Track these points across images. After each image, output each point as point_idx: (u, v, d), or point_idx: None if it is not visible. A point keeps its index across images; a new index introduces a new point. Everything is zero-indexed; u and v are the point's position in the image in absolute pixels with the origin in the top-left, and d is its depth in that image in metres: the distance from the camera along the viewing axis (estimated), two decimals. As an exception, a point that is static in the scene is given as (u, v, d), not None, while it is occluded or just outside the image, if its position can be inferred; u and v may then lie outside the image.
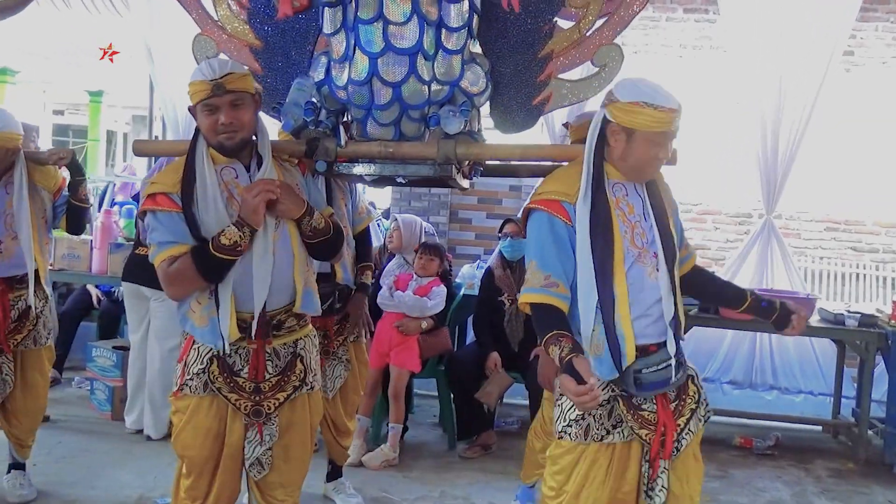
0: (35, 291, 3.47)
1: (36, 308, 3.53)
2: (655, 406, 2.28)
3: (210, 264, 2.35)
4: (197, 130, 2.48)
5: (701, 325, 4.98)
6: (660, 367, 2.26)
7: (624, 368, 2.21)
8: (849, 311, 4.82)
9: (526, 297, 2.26)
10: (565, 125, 3.59)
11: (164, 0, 5.04)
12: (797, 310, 2.51)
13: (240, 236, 2.34)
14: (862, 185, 6.79)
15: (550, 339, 2.14)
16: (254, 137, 2.50)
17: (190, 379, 2.49)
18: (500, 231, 4.71)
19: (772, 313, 2.50)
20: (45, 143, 14.65)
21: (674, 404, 2.32)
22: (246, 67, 2.58)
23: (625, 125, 2.21)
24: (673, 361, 2.29)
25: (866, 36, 6.46)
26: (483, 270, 4.95)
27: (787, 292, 5.16)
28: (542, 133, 5.57)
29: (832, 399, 5.33)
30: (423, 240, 4.62)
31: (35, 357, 3.59)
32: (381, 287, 4.56)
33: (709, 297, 2.75)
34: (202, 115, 2.42)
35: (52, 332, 3.70)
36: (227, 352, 2.46)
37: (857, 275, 6.95)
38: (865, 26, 6.32)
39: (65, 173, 3.69)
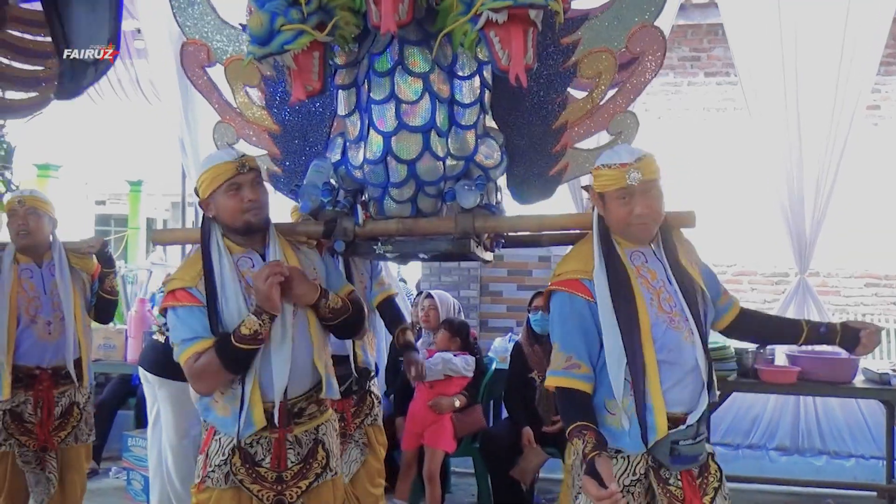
0: (78, 383, 3.50)
1: (80, 403, 3.55)
2: (681, 482, 2.22)
3: (234, 356, 2.34)
4: (206, 223, 2.49)
5: (742, 390, 4.86)
6: (696, 440, 2.22)
7: (653, 443, 2.16)
8: (895, 370, 4.67)
9: (550, 381, 2.27)
10: (585, 188, 3.61)
11: (194, 91, 5.20)
12: (864, 325, 2.39)
13: (259, 324, 2.33)
14: (901, 238, 6.66)
15: (574, 431, 2.13)
16: None
17: (212, 471, 2.45)
18: (530, 305, 4.67)
19: (834, 336, 2.40)
20: (87, 232, 15.01)
21: (698, 481, 2.25)
22: (266, 168, 2.65)
23: (596, 190, 2.31)
24: (704, 437, 2.26)
25: (890, 90, 6.42)
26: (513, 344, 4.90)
27: (827, 353, 5.02)
28: (567, 199, 5.58)
29: (885, 462, 5.12)
30: (450, 316, 4.62)
31: (74, 455, 3.57)
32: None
33: (765, 337, 2.66)
34: (225, 197, 2.43)
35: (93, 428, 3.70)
36: (249, 442, 2.43)
37: (902, 331, 6.76)
38: (888, 80, 6.29)
39: None
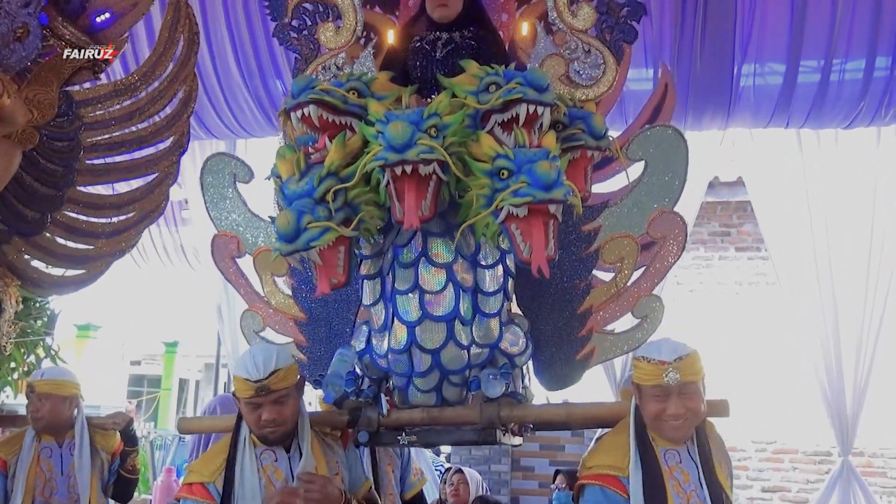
0: None
1: None
2: None
3: None
4: (240, 415, 2.48)
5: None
6: None
7: None
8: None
9: None
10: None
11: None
12: None
13: None
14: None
15: None
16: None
17: None
18: (553, 482, 4.54)
19: None
20: (120, 392, 15.07)
21: None
22: (292, 356, 2.63)
23: (634, 381, 2.30)
24: None
25: (926, 262, 6.36)
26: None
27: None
28: (603, 378, 5.51)
29: None
30: (479, 493, 4.49)
31: None
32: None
33: None
34: (245, 409, 2.43)
35: None
36: None
37: (958, 517, 6.39)
38: (923, 252, 6.24)
39: None
